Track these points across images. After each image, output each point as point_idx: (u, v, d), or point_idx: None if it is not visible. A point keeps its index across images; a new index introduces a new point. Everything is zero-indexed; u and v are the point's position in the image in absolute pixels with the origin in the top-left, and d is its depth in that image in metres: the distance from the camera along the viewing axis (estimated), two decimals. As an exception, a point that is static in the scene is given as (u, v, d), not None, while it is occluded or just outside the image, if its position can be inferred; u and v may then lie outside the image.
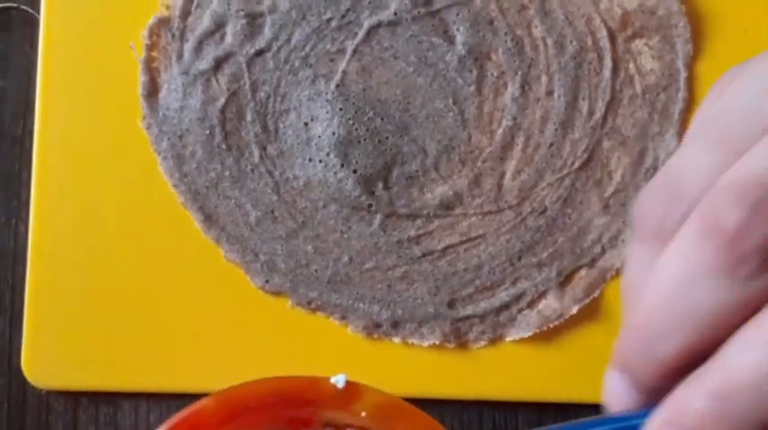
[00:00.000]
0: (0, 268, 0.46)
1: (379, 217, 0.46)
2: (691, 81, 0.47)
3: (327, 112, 0.45)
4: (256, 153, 0.46)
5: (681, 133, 0.46)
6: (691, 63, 0.47)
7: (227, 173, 0.45)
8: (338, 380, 0.40)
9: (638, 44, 0.46)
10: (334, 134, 0.45)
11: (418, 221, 0.46)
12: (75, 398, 0.46)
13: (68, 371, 0.45)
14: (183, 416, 0.38)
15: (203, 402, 0.39)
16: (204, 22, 0.46)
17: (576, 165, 0.46)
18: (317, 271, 0.45)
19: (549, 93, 0.46)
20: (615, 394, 0.26)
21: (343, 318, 0.45)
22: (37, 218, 0.45)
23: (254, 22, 0.46)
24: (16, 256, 0.46)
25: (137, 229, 0.45)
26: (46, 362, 0.45)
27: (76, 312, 0.45)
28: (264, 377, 0.39)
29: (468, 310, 0.46)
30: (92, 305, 0.45)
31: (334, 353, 0.45)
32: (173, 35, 0.46)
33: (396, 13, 0.46)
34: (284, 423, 0.40)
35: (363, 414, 0.39)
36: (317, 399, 0.39)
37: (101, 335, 0.45)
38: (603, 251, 0.46)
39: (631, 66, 0.46)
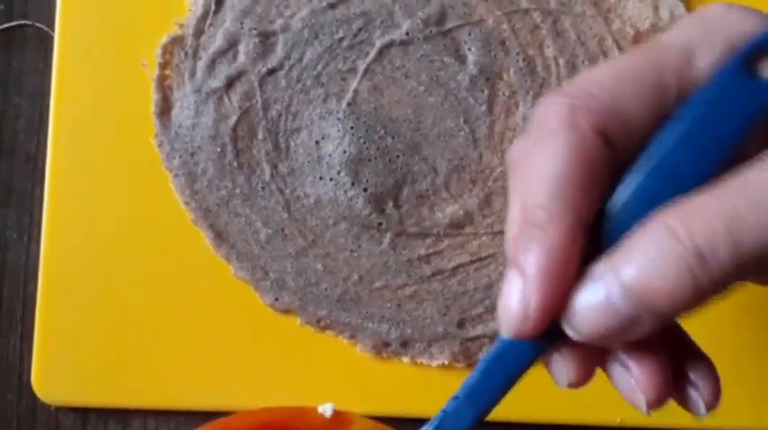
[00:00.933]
0: (11, 285, 0.47)
1: (389, 235, 0.46)
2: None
3: (338, 131, 0.46)
4: (267, 171, 0.46)
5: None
6: (703, 84, 0.47)
7: (237, 190, 0.46)
8: (326, 410, 0.40)
9: (650, 64, 0.46)
10: (345, 152, 0.45)
11: (428, 240, 0.46)
12: (85, 414, 0.46)
13: (78, 387, 0.45)
14: (175, 447, 0.39)
15: (195, 433, 0.39)
16: (217, 40, 0.46)
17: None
18: (326, 289, 0.45)
19: (561, 113, 0.46)
20: (510, 297, 0.27)
21: (353, 336, 0.45)
22: (49, 235, 0.45)
23: (266, 40, 0.46)
24: (27, 273, 0.46)
25: (148, 247, 0.45)
26: (56, 378, 0.45)
27: (87, 329, 0.45)
28: (255, 408, 0.40)
29: (478, 330, 0.45)
30: (102, 322, 0.45)
31: (342, 371, 0.45)
32: (186, 53, 0.46)
33: (407, 33, 0.46)
34: (274, 453, 0.40)
35: None
36: (306, 429, 0.39)
37: (110, 351, 0.45)
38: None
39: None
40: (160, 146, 0.46)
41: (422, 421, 0.45)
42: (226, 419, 0.40)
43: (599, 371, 0.45)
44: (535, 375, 0.45)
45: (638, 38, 0.46)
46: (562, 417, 0.45)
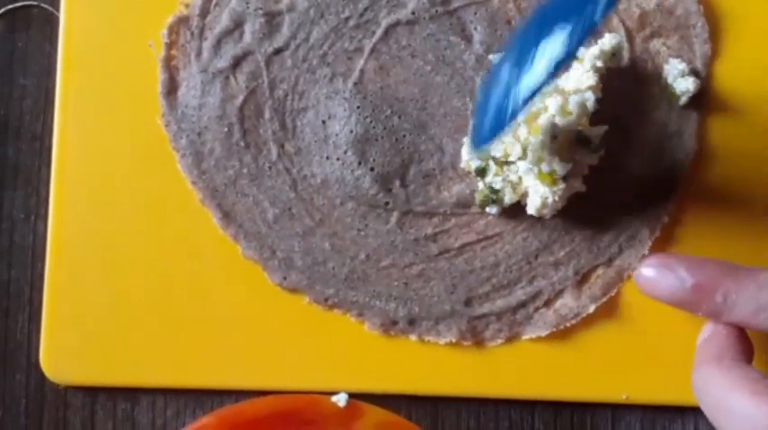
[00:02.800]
0: (19, 265, 0.47)
1: (396, 215, 0.46)
2: (709, 80, 0.47)
3: (345, 110, 0.46)
4: (274, 151, 0.46)
5: (699, 133, 0.46)
6: (709, 63, 0.47)
7: (245, 170, 0.46)
8: (339, 399, 0.40)
9: (656, 44, 0.46)
10: (351, 132, 0.46)
11: (435, 219, 0.46)
12: (93, 394, 0.46)
13: (86, 366, 0.45)
14: (185, 433, 0.39)
15: (204, 420, 0.39)
16: (223, 20, 0.46)
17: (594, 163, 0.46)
18: (333, 268, 0.46)
19: (567, 91, 0.46)
20: None
21: (360, 315, 0.46)
22: (56, 215, 0.46)
23: (272, 20, 0.46)
24: (35, 253, 0.47)
25: (155, 226, 0.46)
26: (64, 358, 0.45)
27: (95, 309, 0.45)
28: (265, 396, 0.40)
29: (485, 309, 0.46)
30: (110, 302, 0.45)
31: (350, 350, 0.45)
32: (192, 33, 0.46)
33: (413, 12, 0.46)
34: (285, 442, 0.41)
35: None
36: (318, 418, 0.40)
37: (119, 331, 0.45)
38: (621, 250, 0.46)
39: (649, 65, 0.46)
40: (167, 126, 0.46)
41: (430, 399, 0.46)
42: (240, 405, 0.40)
43: (604, 349, 0.46)
44: (542, 354, 0.46)
45: (643, 17, 0.46)
46: (569, 395, 0.46)
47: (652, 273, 0.42)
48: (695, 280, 0.41)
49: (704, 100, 0.46)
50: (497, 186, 0.44)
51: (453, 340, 0.45)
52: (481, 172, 0.45)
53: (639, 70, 0.46)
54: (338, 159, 0.46)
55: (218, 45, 0.46)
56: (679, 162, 0.46)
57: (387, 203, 0.46)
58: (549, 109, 0.43)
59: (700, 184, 0.46)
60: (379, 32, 0.46)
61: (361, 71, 0.46)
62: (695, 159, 0.46)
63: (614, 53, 0.45)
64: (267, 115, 0.46)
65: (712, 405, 0.37)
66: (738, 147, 0.47)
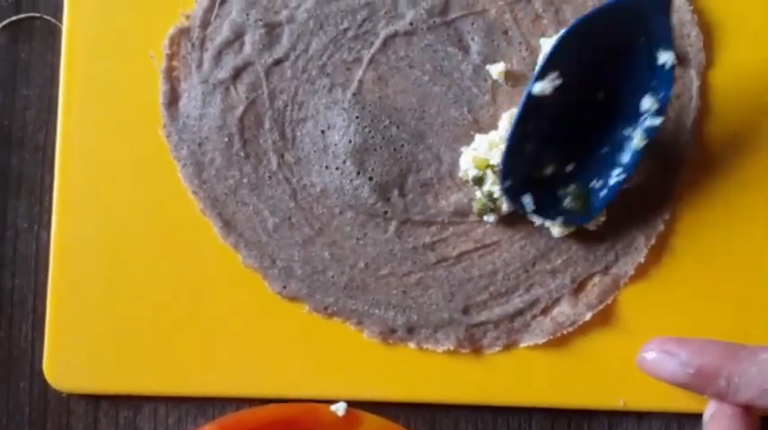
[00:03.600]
0: (22, 274, 0.47)
1: (394, 223, 0.46)
2: (704, 90, 0.47)
3: (344, 120, 0.46)
4: (274, 160, 0.46)
5: (694, 142, 0.47)
6: (703, 72, 0.47)
7: (245, 180, 0.46)
8: (338, 408, 0.40)
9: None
10: (350, 142, 0.46)
11: (433, 228, 0.46)
12: (96, 402, 0.47)
13: (89, 374, 0.46)
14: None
15: (205, 428, 0.39)
16: (223, 31, 0.46)
17: (590, 172, 0.46)
18: (333, 277, 0.46)
19: (563, 101, 0.46)
20: None
21: (359, 323, 0.46)
22: (59, 224, 0.46)
23: (272, 31, 0.46)
24: (38, 262, 0.47)
25: (157, 236, 0.46)
26: (67, 366, 0.46)
27: (97, 317, 0.46)
28: (265, 405, 0.40)
29: (483, 316, 0.46)
30: (112, 310, 0.46)
31: (350, 358, 0.46)
32: (192, 45, 0.46)
33: (411, 23, 0.47)
34: (284, 450, 0.41)
35: None
36: (318, 427, 0.40)
37: (121, 339, 0.46)
38: (617, 258, 0.46)
39: (645, 75, 0.47)
40: (168, 136, 0.46)
41: (429, 406, 0.46)
42: (240, 413, 0.40)
43: (601, 356, 0.46)
44: (540, 362, 0.46)
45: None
46: (566, 402, 0.46)
47: (654, 358, 0.43)
48: (697, 365, 0.42)
49: (699, 108, 0.47)
50: (495, 195, 0.45)
51: (451, 348, 0.46)
52: (478, 181, 0.45)
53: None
54: (337, 169, 0.46)
55: (218, 56, 0.46)
56: (675, 170, 0.47)
57: (385, 212, 0.46)
58: None
59: (695, 193, 0.47)
60: (378, 43, 0.47)
61: (360, 81, 0.47)
62: (691, 168, 0.47)
63: None
64: (267, 125, 0.46)
65: None
66: (733, 155, 0.47)
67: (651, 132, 0.43)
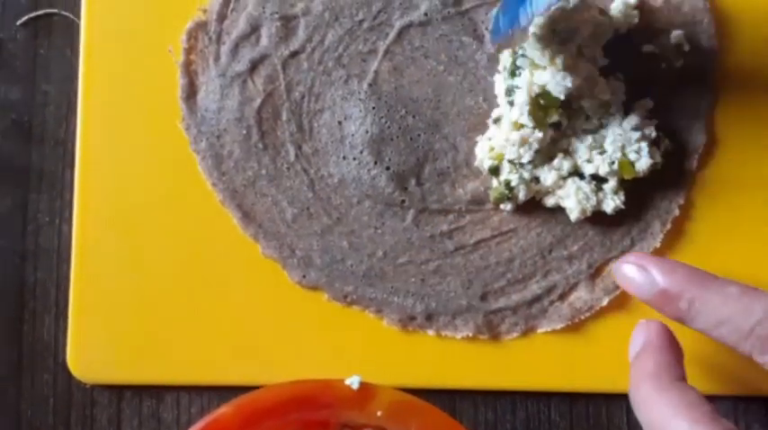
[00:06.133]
0: (45, 267, 0.48)
1: (411, 212, 0.47)
2: (716, 76, 0.48)
3: (360, 111, 0.47)
4: (292, 152, 0.47)
5: (708, 127, 0.47)
6: (716, 58, 0.48)
7: (263, 171, 0.47)
8: (353, 382, 0.41)
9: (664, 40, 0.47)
10: (367, 132, 0.47)
11: (450, 216, 0.47)
12: (119, 392, 0.47)
13: (112, 365, 0.46)
14: (204, 423, 0.40)
15: (222, 409, 0.40)
16: (240, 25, 0.47)
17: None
18: (352, 265, 0.47)
19: (578, 89, 0.47)
20: None
21: (379, 311, 0.47)
22: (80, 218, 0.47)
23: (288, 24, 0.47)
24: (60, 255, 0.48)
25: (177, 228, 0.47)
26: (91, 357, 0.46)
27: (120, 309, 0.46)
28: (282, 382, 0.41)
29: (501, 303, 0.47)
30: (134, 301, 0.46)
31: (369, 345, 0.46)
32: (210, 38, 0.47)
33: (426, 14, 0.47)
34: (302, 426, 0.42)
35: (379, 413, 0.40)
36: (334, 401, 0.41)
37: (144, 330, 0.46)
38: (633, 243, 0.47)
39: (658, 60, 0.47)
40: (187, 129, 0.47)
41: (448, 392, 0.47)
42: (256, 393, 0.41)
43: (619, 341, 0.47)
44: (557, 347, 0.47)
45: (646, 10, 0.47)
46: (584, 386, 0.47)
47: (626, 270, 0.43)
48: (664, 284, 0.42)
49: (712, 94, 0.47)
50: (513, 184, 0.45)
51: (470, 334, 0.46)
52: (494, 170, 0.46)
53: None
54: (354, 159, 0.47)
55: (235, 49, 0.47)
56: (689, 156, 0.47)
57: (403, 201, 0.47)
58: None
59: (709, 178, 0.47)
60: (393, 34, 0.47)
61: (376, 72, 0.47)
62: (705, 153, 0.47)
63: None
64: (284, 117, 0.47)
65: (653, 426, 0.38)
66: (746, 140, 0.47)
67: None
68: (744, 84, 0.48)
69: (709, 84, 0.47)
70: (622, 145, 0.45)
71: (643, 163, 0.45)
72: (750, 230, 0.47)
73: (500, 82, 0.46)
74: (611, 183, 0.45)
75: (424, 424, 0.40)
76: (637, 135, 0.45)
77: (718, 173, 0.47)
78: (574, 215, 0.46)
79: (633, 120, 0.46)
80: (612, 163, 0.45)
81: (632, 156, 0.45)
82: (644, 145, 0.45)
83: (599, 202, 0.46)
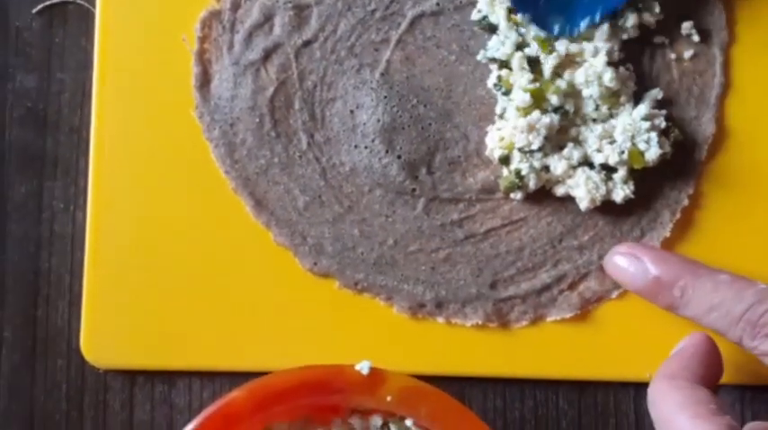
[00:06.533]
0: (59, 254, 0.48)
1: (422, 201, 0.47)
2: (727, 66, 0.48)
3: (372, 100, 0.47)
4: (304, 140, 0.47)
5: (717, 117, 0.47)
6: (726, 48, 0.48)
7: (276, 159, 0.47)
8: (363, 367, 0.41)
9: (674, 30, 0.48)
10: (378, 121, 0.47)
11: (461, 205, 0.47)
12: (132, 377, 0.48)
13: (125, 351, 0.47)
14: (216, 407, 0.40)
15: (234, 393, 0.41)
16: (253, 14, 0.47)
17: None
18: (363, 253, 0.47)
19: (588, 79, 0.47)
20: None
21: (389, 298, 0.47)
22: (94, 204, 0.47)
23: (301, 13, 0.47)
24: (74, 242, 0.48)
25: (190, 215, 0.47)
26: (104, 342, 0.47)
27: (133, 295, 0.47)
28: (293, 367, 0.41)
29: (511, 291, 0.47)
30: (148, 288, 0.47)
31: (379, 332, 0.47)
32: (223, 27, 0.47)
33: (438, 3, 0.47)
34: (313, 411, 0.42)
35: (389, 398, 0.41)
36: (344, 386, 0.41)
37: (157, 316, 0.47)
38: (643, 233, 0.47)
39: (668, 51, 0.48)
40: (200, 117, 0.47)
41: (456, 379, 0.47)
42: (268, 377, 0.41)
43: (627, 330, 0.47)
44: (566, 335, 0.47)
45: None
46: (593, 374, 0.47)
47: (619, 261, 0.44)
48: (656, 272, 0.42)
49: (722, 85, 0.48)
50: (523, 172, 0.46)
51: (479, 322, 0.47)
52: (505, 160, 0.46)
53: (657, 56, 0.48)
54: (366, 148, 0.47)
55: (249, 38, 0.47)
56: (698, 146, 0.47)
57: (414, 190, 0.47)
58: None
59: (719, 168, 0.47)
60: (405, 24, 0.47)
61: (388, 62, 0.47)
62: (714, 143, 0.47)
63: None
64: (297, 106, 0.47)
65: (661, 421, 0.39)
66: (756, 131, 0.48)
67: None
68: (753, 74, 0.48)
69: (718, 74, 0.48)
70: (632, 135, 0.45)
71: (652, 153, 0.45)
72: (759, 220, 0.47)
73: (493, 77, 0.47)
74: (621, 173, 0.46)
75: (433, 409, 0.40)
76: (646, 125, 0.45)
77: (728, 163, 0.47)
78: (583, 204, 0.46)
79: (643, 110, 0.46)
80: (622, 152, 0.45)
81: (642, 146, 0.45)
82: (653, 135, 0.45)
83: (608, 192, 0.46)
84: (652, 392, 0.40)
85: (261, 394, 0.40)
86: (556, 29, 0.46)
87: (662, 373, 0.41)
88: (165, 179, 0.47)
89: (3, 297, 0.48)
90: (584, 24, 0.46)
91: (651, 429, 0.46)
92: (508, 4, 0.46)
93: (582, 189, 0.46)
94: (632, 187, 0.46)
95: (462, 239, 0.47)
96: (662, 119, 0.46)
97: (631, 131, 0.45)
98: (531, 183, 0.46)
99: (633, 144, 0.45)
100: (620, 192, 0.46)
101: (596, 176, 0.46)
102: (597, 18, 0.45)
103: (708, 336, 0.42)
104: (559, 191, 0.46)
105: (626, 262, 0.44)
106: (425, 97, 0.47)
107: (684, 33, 0.47)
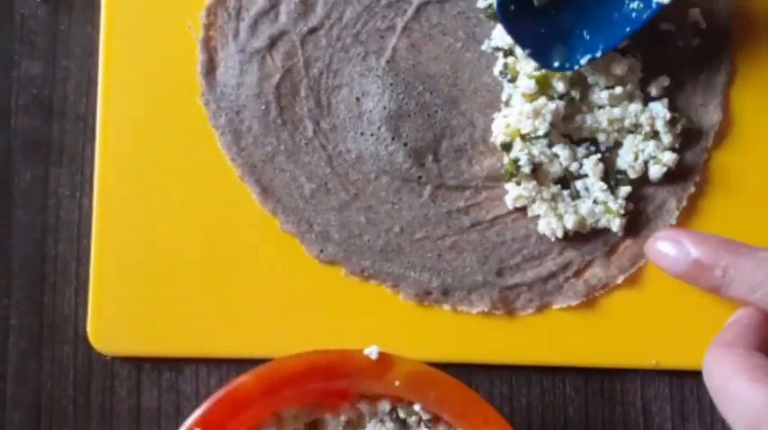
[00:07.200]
0: (65, 240, 0.48)
1: (428, 188, 0.47)
2: (733, 53, 0.48)
3: (378, 88, 0.47)
4: (310, 127, 0.47)
5: (723, 104, 0.47)
6: (733, 38, 0.48)
7: (282, 147, 0.47)
8: (371, 352, 0.41)
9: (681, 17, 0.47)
10: (384, 108, 0.47)
11: (467, 192, 0.47)
12: (139, 364, 0.48)
13: (132, 338, 0.47)
14: (225, 391, 0.40)
15: (243, 378, 0.41)
16: (259, 1, 0.47)
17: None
18: (369, 240, 0.47)
19: (595, 66, 0.47)
20: None
21: (395, 286, 0.47)
22: (100, 192, 0.47)
23: (306, 0, 0.47)
24: (81, 229, 0.48)
25: (196, 203, 0.47)
26: (110, 329, 0.47)
27: (140, 282, 0.47)
28: (302, 352, 0.41)
29: (517, 279, 0.47)
30: (154, 275, 0.47)
31: (386, 319, 0.47)
32: (229, 14, 0.47)
33: (444, -9, 0.47)
34: (321, 396, 0.42)
35: (397, 383, 0.41)
36: (352, 371, 0.41)
37: (163, 303, 0.47)
38: (649, 221, 0.47)
39: (675, 38, 0.47)
40: (206, 105, 0.47)
41: (463, 367, 0.47)
42: (276, 362, 0.41)
43: (633, 317, 0.47)
44: (572, 322, 0.47)
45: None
46: (599, 361, 0.47)
47: (661, 246, 0.44)
48: (697, 254, 0.42)
49: (729, 72, 0.47)
50: (521, 162, 0.46)
51: (485, 309, 0.47)
52: (506, 146, 0.46)
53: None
54: (372, 135, 0.47)
55: (254, 25, 0.47)
56: (705, 133, 0.47)
57: (420, 177, 0.47)
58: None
59: (725, 155, 0.47)
60: (411, 11, 0.47)
61: (394, 49, 0.47)
62: (720, 131, 0.47)
63: None
64: (303, 93, 0.47)
65: (716, 387, 0.39)
66: (762, 118, 0.48)
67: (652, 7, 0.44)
68: (760, 62, 0.48)
69: (725, 62, 0.47)
70: (639, 123, 0.45)
71: (656, 171, 0.46)
72: (766, 207, 0.47)
73: (499, 65, 0.47)
74: (624, 190, 0.47)
75: (441, 394, 0.41)
76: (653, 112, 0.45)
77: (734, 150, 0.47)
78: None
79: (650, 97, 0.46)
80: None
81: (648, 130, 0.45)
82: (661, 123, 0.45)
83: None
84: (707, 361, 0.40)
85: (269, 379, 0.40)
86: (555, 63, 0.45)
87: (717, 342, 0.41)
88: (172, 167, 0.47)
89: (9, 284, 0.48)
90: (584, 60, 0.45)
91: (658, 415, 0.47)
92: None
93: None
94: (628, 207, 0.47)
95: (468, 227, 0.47)
96: (666, 111, 0.46)
97: (638, 119, 0.46)
98: (526, 169, 0.46)
99: (641, 132, 0.46)
100: (616, 221, 0.47)
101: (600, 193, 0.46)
102: (598, 54, 0.45)
103: (757, 309, 0.42)
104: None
105: (667, 246, 0.43)
106: (431, 84, 0.47)
107: (691, 20, 0.47)
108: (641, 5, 0.44)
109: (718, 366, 0.39)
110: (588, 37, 0.45)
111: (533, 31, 0.45)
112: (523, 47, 0.45)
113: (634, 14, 0.45)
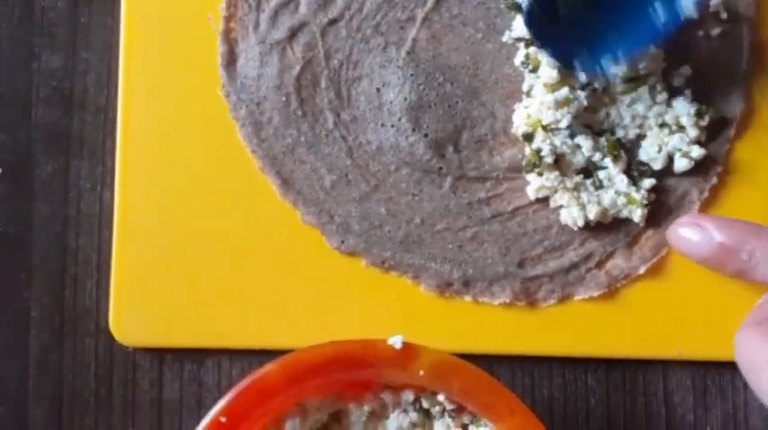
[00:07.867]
0: (86, 233, 0.48)
1: (449, 179, 0.47)
2: (755, 44, 0.47)
3: (399, 78, 0.47)
4: (330, 119, 0.47)
5: (745, 95, 0.47)
6: (755, 26, 0.47)
7: (302, 138, 0.47)
8: (395, 342, 0.41)
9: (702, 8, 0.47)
10: (405, 99, 0.47)
11: (488, 184, 0.47)
12: (161, 356, 0.48)
13: (154, 329, 0.47)
14: (250, 381, 0.40)
15: (268, 367, 0.41)
16: (279, -8, 0.47)
17: (643, 126, 0.47)
18: (390, 232, 0.47)
19: (616, 56, 0.47)
20: None
21: (416, 277, 0.47)
22: (121, 184, 0.47)
23: (326, -9, 0.47)
24: (102, 221, 0.48)
25: (217, 195, 0.47)
26: (132, 321, 0.47)
27: (161, 274, 0.47)
28: (326, 342, 0.41)
29: (538, 270, 0.47)
30: (175, 266, 0.47)
31: (407, 310, 0.47)
32: (249, 6, 0.47)
33: (464, -19, 0.47)
34: (344, 387, 0.42)
35: (421, 373, 0.41)
36: (376, 361, 0.41)
37: (185, 294, 0.47)
38: (670, 211, 0.47)
39: (696, 29, 0.47)
40: (227, 96, 0.47)
41: (485, 357, 0.47)
42: (301, 351, 0.41)
43: (655, 307, 0.47)
44: (594, 313, 0.47)
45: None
46: (621, 352, 0.47)
47: (684, 232, 0.44)
48: (722, 238, 0.42)
49: (750, 63, 0.47)
50: (543, 152, 0.45)
51: (507, 301, 0.47)
52: (528, 137, 0.46)
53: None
54: (392, 126, 0.47)
55: (275, 17, 0.47)
56: (727, 124, 0.47)
57: (440, 168, 0.47)
58: None
59: (747, 144, 0.47)
60: (431, 2, 0.47)
61: (414, 40, 0.47)
62: (743, 121, 0.47)
63: None
64: (323, 84, 0.47)
65: (746, 363, 0.39)
66: (786, 108, 0.48)
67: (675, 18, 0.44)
68: (782, 52, 0.48)
69: (747, 52, 0.47)
70: (662, 113, 0.45)
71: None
72: (788, 198, 0.47)
73: (520, 55, 0.47)
74: (647, 182, 0.46)
75: (465, 383, 0.40)
76: (678, 110, 0.46)
77: (756, 140, 0.47)
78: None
79: (672, 87, 0.46)
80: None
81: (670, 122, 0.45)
82: (686, 119, 0.45)
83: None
84: (739, 340, 0.41)
85: (294, 368, 0.40)
86: (578, 66, 0.45)
87: (748, 322, 0.41)
88: (192, 159, 0.47)
89: (30, 276, 0.48)
90: (606, 64, 0.45)
91: (680, 406, 0.47)
92: None
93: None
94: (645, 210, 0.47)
95: (489, 218, 0.47)
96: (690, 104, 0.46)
97: (662, 111, 0.46)
98: (548, 159, 0.46)
99: (664, 123, 0.46)
100: (638, 212, 0.46)
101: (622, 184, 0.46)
102: (621, 59, 0.45)
103: None
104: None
105: (690, 232, 0.43)
106: (452, 75, 0.47)
107: (712, 11, 0.47)
108: (667, 16, 0.44)
109: (750, 344, 0.39)
110: (613, 44, 0.45)
111: (558, 37, 0.45)
112: (544, 47, 0.45)
113: (659, 25, 0.44)
